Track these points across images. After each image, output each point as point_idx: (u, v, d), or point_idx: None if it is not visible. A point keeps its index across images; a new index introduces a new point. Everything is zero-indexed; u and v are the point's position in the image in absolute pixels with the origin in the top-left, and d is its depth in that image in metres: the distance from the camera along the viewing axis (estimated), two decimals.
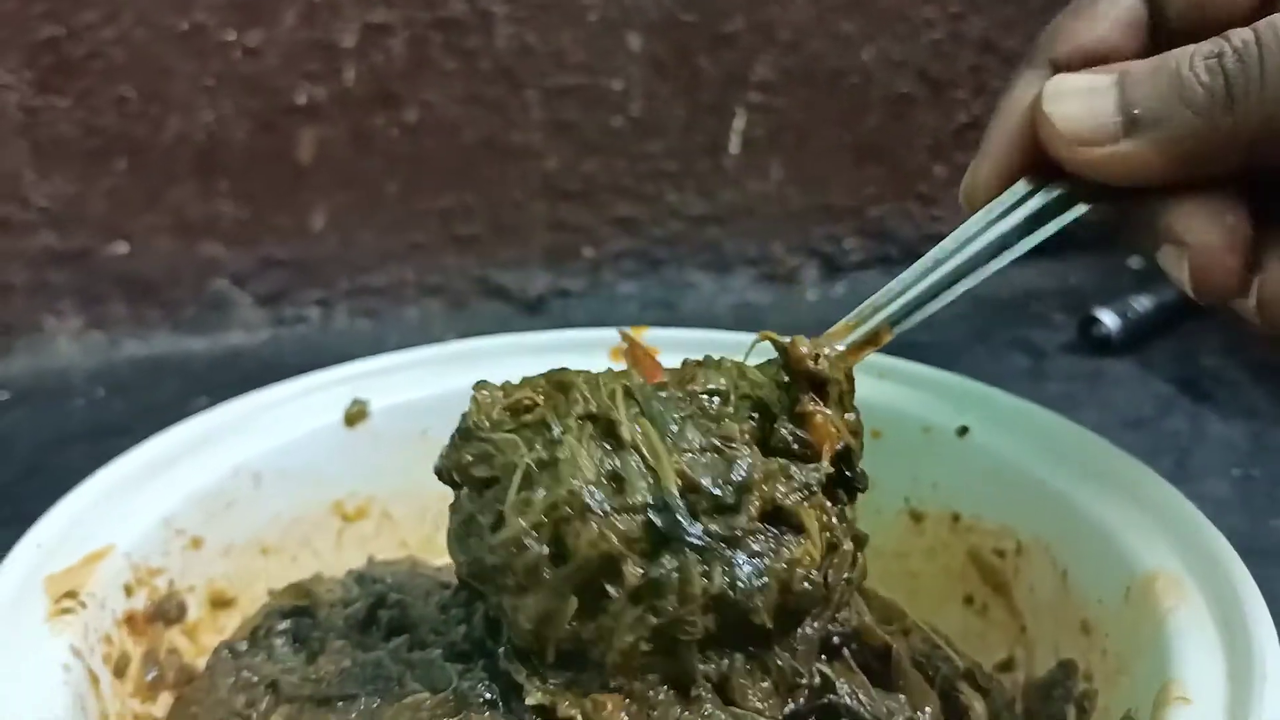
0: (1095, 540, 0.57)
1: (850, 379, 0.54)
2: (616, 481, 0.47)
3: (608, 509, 0.46)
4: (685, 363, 0.55)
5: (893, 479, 0.69)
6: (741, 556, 0.47)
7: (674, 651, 0.47)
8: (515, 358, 0.76)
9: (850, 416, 0.53)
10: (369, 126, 1.19)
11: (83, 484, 0.60)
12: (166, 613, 0.59)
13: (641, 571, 0.46)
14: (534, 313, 1.26)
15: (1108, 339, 1.13)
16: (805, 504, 0.49)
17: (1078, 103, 0.48)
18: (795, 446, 0.51)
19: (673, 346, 0.77)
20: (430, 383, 0.74)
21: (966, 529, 0.66)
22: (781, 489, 0.49)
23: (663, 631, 0.46)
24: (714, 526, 0.47)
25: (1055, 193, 0.51)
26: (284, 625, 0.58)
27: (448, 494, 0.75)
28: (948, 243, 0.53)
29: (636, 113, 1.23)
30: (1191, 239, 0.47)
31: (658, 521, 0.46)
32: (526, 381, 0.54)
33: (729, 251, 1.29)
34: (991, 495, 0.64)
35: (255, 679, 0.55)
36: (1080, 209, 0.51)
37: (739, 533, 0.47)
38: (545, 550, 0.46)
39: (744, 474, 0.48)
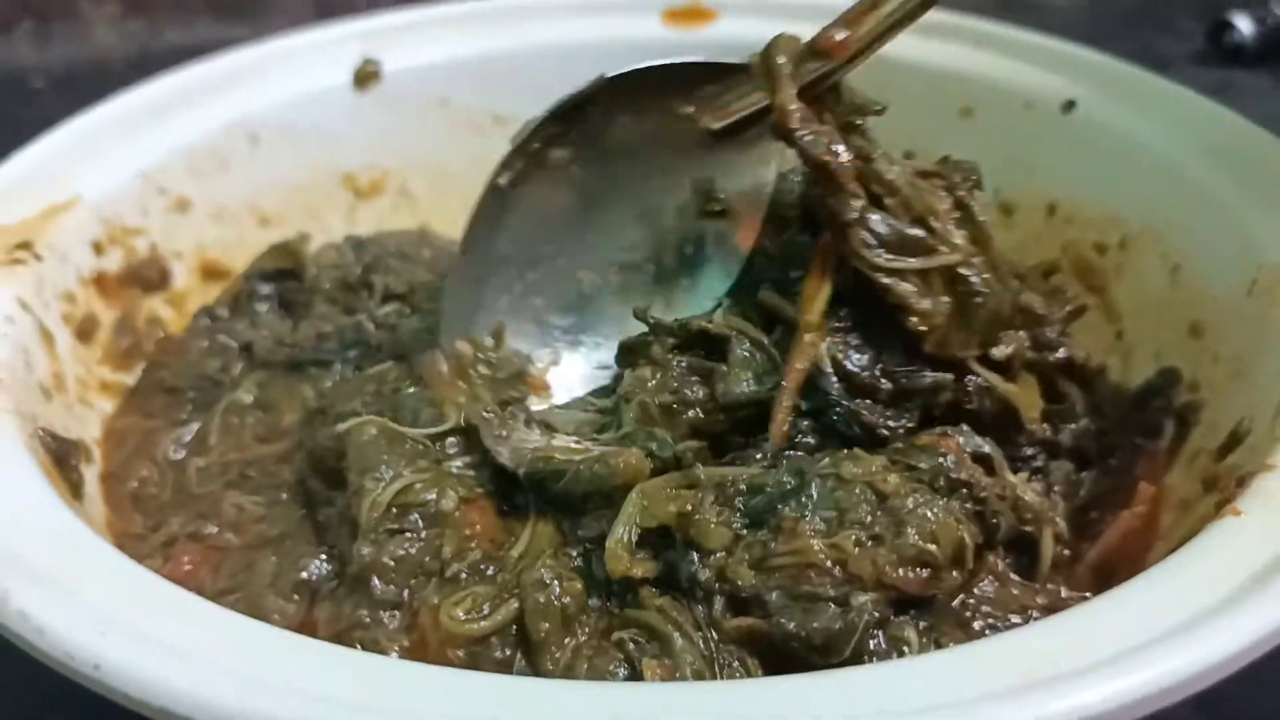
0: (1218, 225, 0.47)
1: None
2: None
3: None
4: None
5: (984, 163, 0.59)
6: None
7: None
8: (553, 19, 0.66)
9: None
10: None
11: (49, 132, 0.54)
12: (146, 278, 0.53)
13: None
14: None
15: (1241, 47, 0.98)
16: None
17: None
18: None
19: (737, 7, 0.67)
20: (452, 43, 0.65)
21: (1064, 220, 0.56)
22: None
23: None
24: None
25: None
26: (267, 289, 0.52)
27: (474, 173, 0.67)
28: None
29: None
30: None
31: None
32: None
33: None
34: (1097, 178, 0.54)
35: (232, 343, 0.50)
36: None
37: None
38: None
39: None
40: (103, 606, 0.30)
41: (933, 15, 0.63)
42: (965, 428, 0.39)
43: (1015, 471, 0.40)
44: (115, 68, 1.11)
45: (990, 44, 0.60)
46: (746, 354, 0.41)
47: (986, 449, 0.39)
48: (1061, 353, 0.42)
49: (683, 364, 0.42)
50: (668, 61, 0.45)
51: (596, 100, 0.45)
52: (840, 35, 0.42)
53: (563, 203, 0.46)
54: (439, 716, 0.28)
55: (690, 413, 0.41)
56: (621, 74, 0.45)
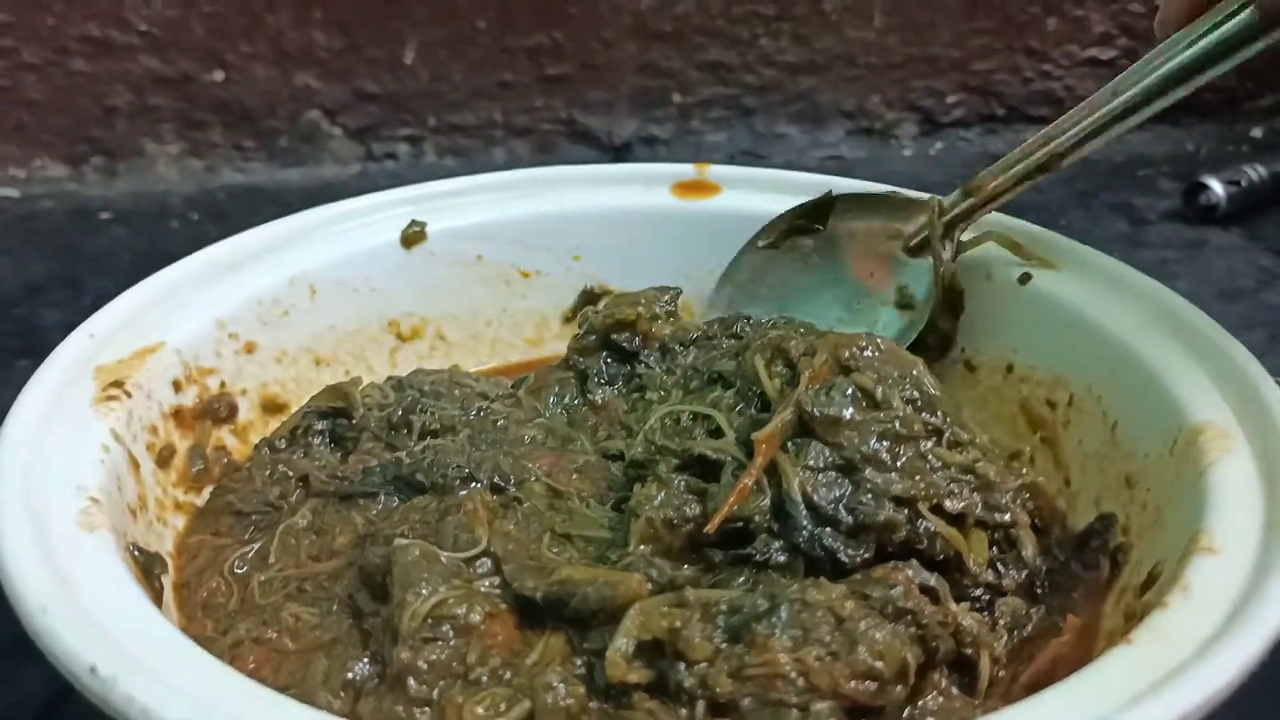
0: (1148, 391, 0.55)
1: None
2: None
3: None
4: None
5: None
6: None
7: None
8: (576, 189, 0.75)
9: None
10: None
11: (140, 283, 0.62)
12: (216, 411, 0.61)
13: None
14: (620, 159, 1.24)
15: (1214, 207, 1.07)
16: None
17: None
18: None
19: (738, 183, 0.76)
20: (488, 208, 0.74)
21: (1020, 379, 0.63)
22: None
23: None
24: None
25: (1243, 22, 0.51)
26: (321, 425, 0.60)
27: (501, 320, 0.76)
28: (1130, 72, 0.56)
29: None
30: None
31: None
32: None
33: (823, 102, 1.25)
34: (1048, 344, 0.62)
35: (290, 473, 0.57)
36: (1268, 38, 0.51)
37: None
38: None
39: None
40: (195, 694, 0.37)
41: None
42: (915, 563, 0.46)
43: (961, 602, 0.47)
44: (175, 203, 1.21)
45: None
46: (734, 479, 0.49)
47: (932, 582, 0.46)
48: (1007, 516, 0.50)
49: (683, 484, 0.50)
50: (874, 189, 0.69)
51: (829, 207, 0.69)
52: (984, 181, 0.63)
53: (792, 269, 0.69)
54: None
55: (688, 527, 0.49)
56: (844, 193, 0.69)
